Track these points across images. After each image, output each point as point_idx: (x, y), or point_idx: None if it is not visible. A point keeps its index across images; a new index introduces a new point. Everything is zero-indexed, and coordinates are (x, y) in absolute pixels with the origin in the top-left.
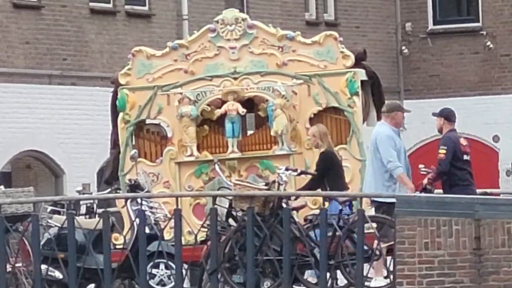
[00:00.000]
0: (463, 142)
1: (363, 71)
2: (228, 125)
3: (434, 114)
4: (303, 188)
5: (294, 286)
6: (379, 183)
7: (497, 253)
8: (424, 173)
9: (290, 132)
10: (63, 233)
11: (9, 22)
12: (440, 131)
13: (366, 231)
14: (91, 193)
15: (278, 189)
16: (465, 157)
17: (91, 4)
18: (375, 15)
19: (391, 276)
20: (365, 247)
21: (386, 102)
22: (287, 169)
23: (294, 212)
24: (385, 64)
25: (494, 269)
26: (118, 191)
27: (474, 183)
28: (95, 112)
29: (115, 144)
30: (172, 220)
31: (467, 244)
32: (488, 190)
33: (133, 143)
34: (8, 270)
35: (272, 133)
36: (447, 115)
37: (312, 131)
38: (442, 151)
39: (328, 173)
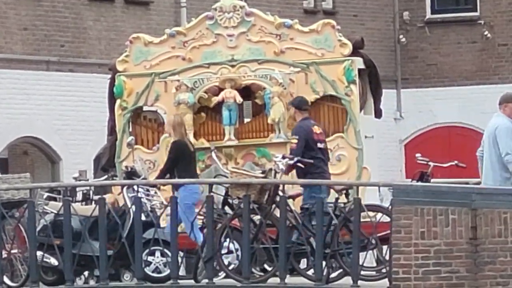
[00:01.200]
0: (316, 130)
1: (360, 59)
2: (225, 113)
3: (288, 103)
4: (158, 177)
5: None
6: (496, 174)
7: (493, 243)
8: (421, 162)
9: (287, 120)
10: (59, 220)
11: (7, 8)
12: (295, 120)
13: (362, 220)
14: (88, 180)
15: (275, 177)
16: (319, 145)
17: None
18: (373, 4)
19: (387, 265)
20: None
21: (502, 94)
22: (283, 157)
23: (291, 200)
24: (382, 53)
25: (490, 259)
26: (114, 178)
27: (328, 170)
28: (92, 99)
29: (112, 131)
30: (168, 208)
31: (464, 233)
32: None
33: (130, 130)
34: (3, 256)
35: (269, 121)
36: (298, 104)
37: (168, 120)
38: (294, 140)
39: (178, 163)
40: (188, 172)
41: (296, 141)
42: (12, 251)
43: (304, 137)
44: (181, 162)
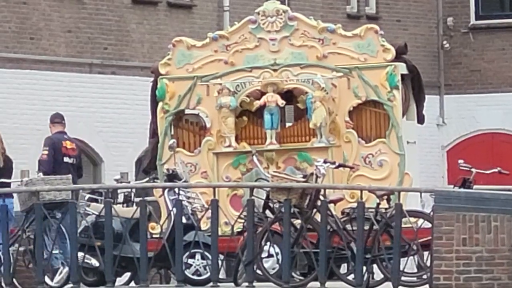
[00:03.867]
0: (67, 145)
1: (403, 65)
2: (267, 117)
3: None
4: None
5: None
6: None
7: None
8: (464, 168)
9: (329, 125)
10: (100, 221)
11: (51, 11)
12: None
13: (403, 225)
14: (129, 182)
15: (316, 181)
16: (66, 159)
17: None
18: (417, 9)
19: (428, 272)
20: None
21: None
22: (325, 162)
23: (332, 204)
24: (425, 59)
25: None
26: (156, 180)
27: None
28: (134, 102)
29: (154, 133)
30: (209, 211)
31: (506, 240)
32: None
33: (172, 132)
34: (45, 257)
35: (311, 126)
36: (51, 118)
37: None
38: (44, 151)
39: None
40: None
41: (46, 152)
42: (54, 252)
43: (52, 150)
44: None
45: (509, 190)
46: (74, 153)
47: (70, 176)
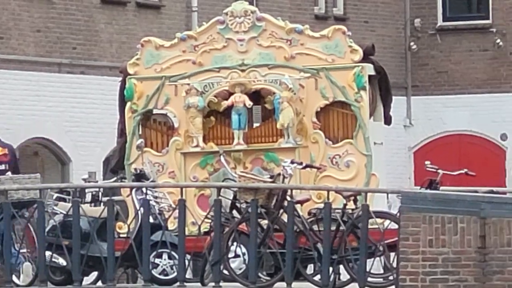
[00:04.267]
0: None
1: (371, 66)
2: (234, 117)
3: None
4: None
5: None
6: None
7: (502, 252)
8: (430, 169)
9: (296, 125)
10: (68, 220)
11: (21, 10)
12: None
13: (370, 226)
14: (97, 181)
15: (283, 182)
16: None
17: None
18: (384, 10)
19: (395, 273)
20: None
21: None
22: (292, 162)
23: (298, 205)
24: (393, 60)
25: (498, 268)
26: (123, 180)
27: None
28: (103, 101)
29: (122, 133)
30: (176, 210)
31: (472, 242)
32: (495, 189)
33: (140, 132)
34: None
35: (278, 126)
36: None
37: None
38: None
39: None
40: None
41: None
42: (21, 251)
43: None
44: None
45: (475, 191)
46: (6, 159)
47: (38, 175)
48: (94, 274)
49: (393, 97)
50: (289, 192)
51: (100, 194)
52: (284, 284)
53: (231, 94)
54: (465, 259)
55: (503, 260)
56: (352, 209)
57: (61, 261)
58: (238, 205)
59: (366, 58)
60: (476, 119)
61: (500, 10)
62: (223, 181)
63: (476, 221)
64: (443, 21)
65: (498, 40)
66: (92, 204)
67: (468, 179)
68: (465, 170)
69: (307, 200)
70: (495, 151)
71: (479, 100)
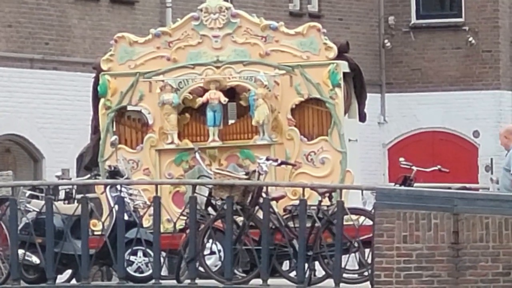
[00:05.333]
0: None
1: (345, 63)
2: (209, 114)
3: None
4: None
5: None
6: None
7: (475, 247)
8: (405, 166)
9: (271, 122)
10: (41, 218)
11: None
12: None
13: (345, 222)
14: (70, 179)
15: (258, 178)
16: None
17: None
18: (359, 8)
19: (369, 269)
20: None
21: None
22: (267, 159)
23: (274, 202)
24: (367, 57)
25: (471, 264)
26: (97, 177)
27: None
28: (76, 98)
29: (95, 130)
30: (151, 208)
31: (445, 238)
32: (467, 185)
33: (114, 129)
34: None
35: (254, 123)
36: None
37: None
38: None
39: None
40: None
41: None
42: None
43: None
44: None
45: (448, 188)
46: None
47: (10, 172)
48: (68, 272)
49: (368, 94)
50: (264, 189)
51: (73, 191)
52: (260, 280)
53: (206, 90)
54: (438, 255)
55: (476, 255)
56: (327, 206)
57: (35, 259)
58: (213, 202)
59: (340, 56)
60: (449, 116)
61: (473, 8)
62: (198, 178)
63: (449, 217)
64: (417, 19)
65: (471, 38)
66: (66, 202)
67: (442, 175)
68: (439, 166)
69: (283, 197)
70: (468, 148)
71: (452, 98)
